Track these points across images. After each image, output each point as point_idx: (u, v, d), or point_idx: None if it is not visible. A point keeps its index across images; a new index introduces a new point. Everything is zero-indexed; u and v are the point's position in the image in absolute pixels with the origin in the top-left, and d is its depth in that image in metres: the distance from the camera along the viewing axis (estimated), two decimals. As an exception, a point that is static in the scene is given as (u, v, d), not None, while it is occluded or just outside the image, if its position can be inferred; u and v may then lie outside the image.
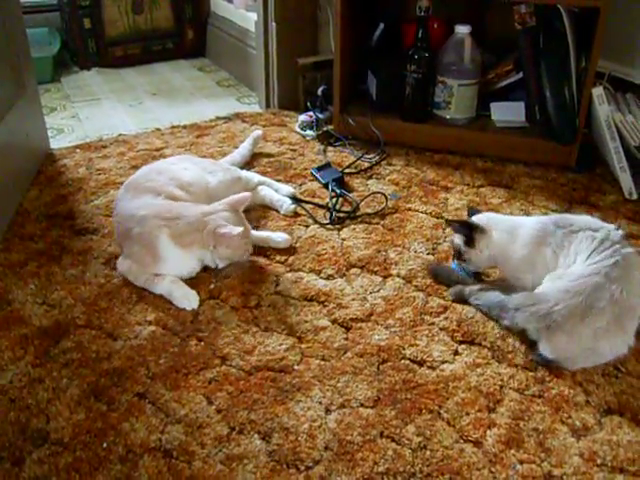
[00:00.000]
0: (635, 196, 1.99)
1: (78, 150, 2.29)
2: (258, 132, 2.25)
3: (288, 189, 1.97)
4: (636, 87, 2.27)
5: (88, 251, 1.71)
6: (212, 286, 1.57)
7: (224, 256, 1.58)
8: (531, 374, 1.33)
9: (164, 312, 1.49)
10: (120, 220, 1.63)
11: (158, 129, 2.50)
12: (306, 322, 1.47)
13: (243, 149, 2.16)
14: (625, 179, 2.00)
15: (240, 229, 1.51)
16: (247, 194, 1.65)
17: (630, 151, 1.98)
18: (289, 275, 1.63)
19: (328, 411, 1.24)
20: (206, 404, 1.25)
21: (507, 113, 2.32)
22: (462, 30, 2.20)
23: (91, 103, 2.83)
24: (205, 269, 1.62)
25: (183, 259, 1.57)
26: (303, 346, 1.40)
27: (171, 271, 1.56)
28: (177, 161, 1.85)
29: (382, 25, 2.47)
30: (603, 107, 1.99)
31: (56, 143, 2.36)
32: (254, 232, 1.72)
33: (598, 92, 2.00)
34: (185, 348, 1.39)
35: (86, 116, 2.68)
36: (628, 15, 2.28)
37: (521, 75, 2.29)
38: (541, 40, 2.14)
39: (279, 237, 1.73)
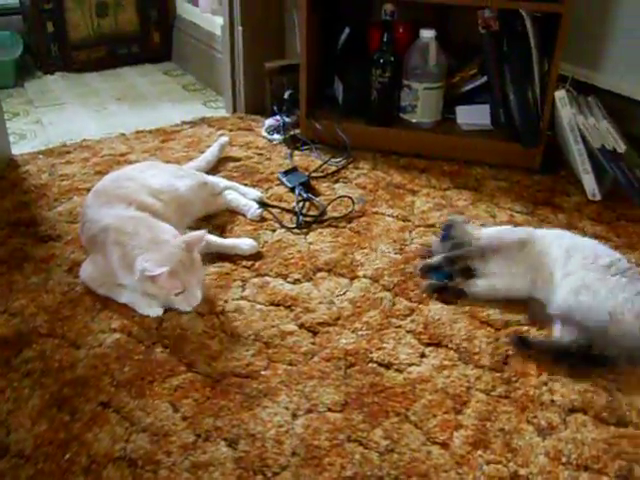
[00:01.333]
0: (598, 197, 2.02)
1: (41, 156, 2.26)
2: (225, 138, 2.23)
3: (256, 193, 1.97)
4: (598, 90, 2.31)
5: (51, 258, 1.68)
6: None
7: (149, 293, 1.47)
8: (497, 375, 1.34)
9: (129, 319, 1.47)
10: (88, 226, 1.60)
11: (123, 134, 2.47)
12: (273, 327, 1.46)
13: (209, 154, 2.15)
14: (588, 181, 2.03)
15: (163, 269, 1.37)
16: (202, 232, 1.51)
17: (593, 153, 2.01)
18: (255, 280, 1.62)
19: (295, 416, 1.23)
20: (172, 412, 1.24)
21: (472, 116, 2.34)
22: (427, 34, 2.22)
23: (54, 108, 2.79)
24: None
25: (126, 279, 1.50)
26: (270, 351, 1.39)
27: (130, 284, 1.52)
28: (145, 168, 1.82)
29: (348, 29, 2.47)
30: (565, 110, 2.02)
31: (18, 149, 2.32)
32: (220, 240, 1.71)
33: (560, 95, 2.03)
34: (150, 355, 1.37)
35: (49, 121, 2.64)
36: (591, 20, 2.32)
37: (486, 79, 2.31)
38: (504, 44, 2.17)
39: (245, 244, 1.71)
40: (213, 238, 1.70)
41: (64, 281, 1.60)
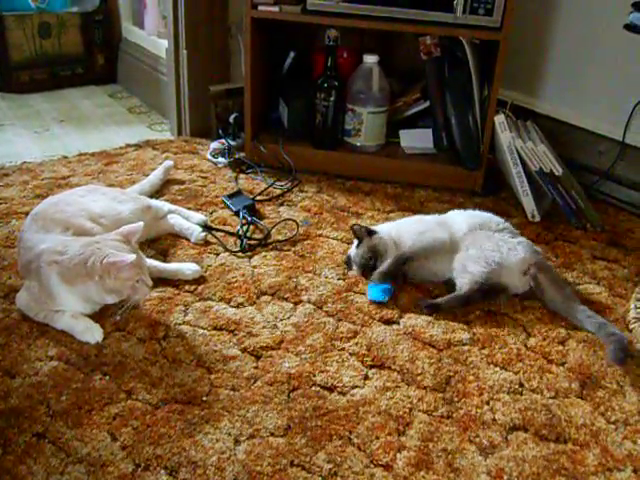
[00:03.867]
0: (538, 218, 2.08)
1: (-22, 178, 2.20)
2: (169, 162, 2.21)
3: (200, 217, 1.95)
4: (537, 115, 2.39)
5: (-15, 284, 1.63)
6: (118, 317, 1.52)
7: (111, 289, 1.44)
8: (440, 395, 1.35)
9: (67, 346, 1.43)
10: (23, 252, 1.56)
11: (65, 157, 2.42)
12: (215, 352, 1.44)
13: (154, 177, 2.12)
14: (528, 202, 2.08)
15: (133, 256, 1.41)
16: (140, 224, 1.53)
17: (532, 176, 2.07)
18: (198, 304, 1.60)
19: (237, 442, 1.22)
20: (110, 441, 1.21)
21: (415, 140, 2.38)
22: (370, 59, 2.26)
23: (-6, 130, 2.73)
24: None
25: (71, 298, 1.47)
26: (212, 376, 1.37)
27: (68, 308, 1.49)
28: (86, 192, 1.78)
29: (293, 54, 2.50)
30: (505, 134, 2.07)
31: (-46, 171, 2.26)
32: (162, 265, 1.69)
33: (500, 120, 2.09)
34: (89, 383, 1.34)
35: (-12, 143, 2.58)
36: (528, 47, 2.40)
37: (428, 103, 2.36)
38: (446, 70, 2.22)
39: (188, 269, 1.69)
40: (155, 263, 1.67)
41: (0, 308, 1.55)
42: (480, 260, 1.65)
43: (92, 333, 1.46)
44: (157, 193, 2.11)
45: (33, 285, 1.50)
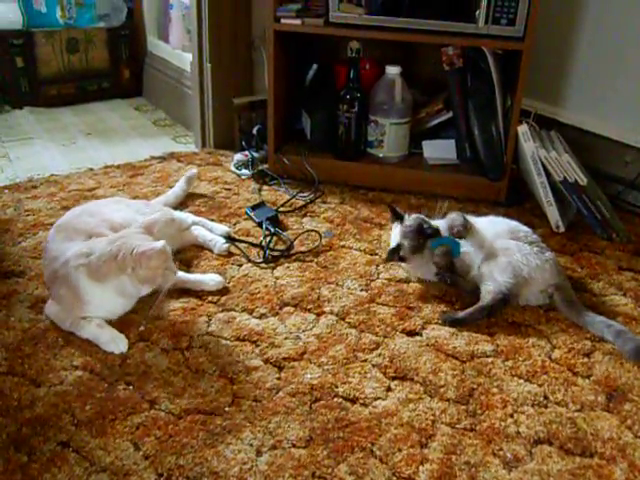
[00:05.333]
0: (562, 229, 2.06)
1: (7, 191, 2.24)
2: (193, 171, 2.23)
3: (223, 228, 1.96)
4: (560, 124, 2.37)
5: (13, 294, 1.66)
6: (142, 328, 1.54)
7: (144, 278, 1.48)
8: (463, 407, 1.34)
9: (91, 356, 1.45)
10: (48, 262, 1.59)
11: (91, 169, 2.46)
12: (238, 362, 1.45)
13: (177, 189, 2.14)
14: (552, 213, 2.06)
15: (160, 243, 1.45)
16: (157, 214, 1.61)
17: (556, 186, 2.05)
18: (221, 315, 1.61)
19: (259, 453, 1.22)
20: (133, 450, 1.21)
21: (438, 151, 2.38)
22: (392, 71, 2.26)
23: (22, 143, 2.77)
24: (135, 311, 1.59)
25: (104, 296, 1.50)
26: (234, 387, 1.38)
27: (97, 313, 1.52)
28: (109, 203, 1.82)
29: (315, 66, 2.51)
30: (528, 144, 2.06)
31: (-16, 184, 2.30)
32: (186, 275, 1.71)
33: (523, 130, 2.08)
34: (112, 393, 1.35)
35: (17, 156, 2.62)
36: (552, 57, 2.39)
37: (451, 114, 2.36)
38: (468, 80, 2.22)
39: (211, 280, 1.71)
40: (180, 273, 1.68)
41: (26, 317, 1.57)
42: (508, 270, 1.63)
43: (117, 344, 1.47)
44: (181, 205, 2.13)
45: (61, 294, 1.52)
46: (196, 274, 1.75)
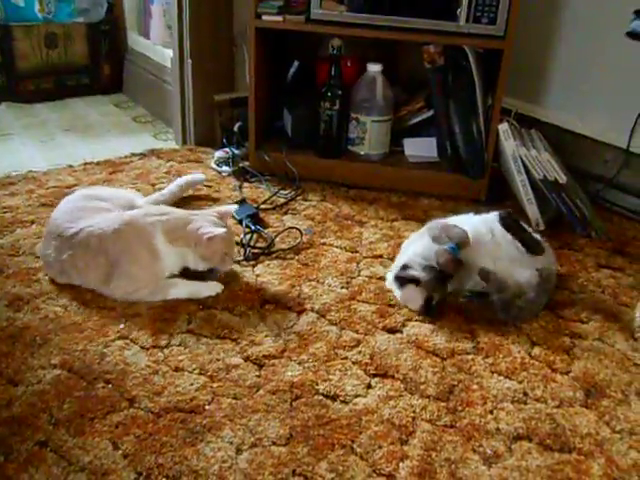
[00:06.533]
0: (542, 226, 2.07)
1: (-17, 188, 2.21)
2: (201, 176, 2.22)
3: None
4: (541, 123, 2.39)
5: (-10, 293, 1.64)
6: (122, 326, 1.52)
7: (203, 256, 1.61)
8: (443, 404, 1.35)
9: (70, 355, 1.43)
10: (78, 250, 1.60)
11: (70, 166, 2.43)
12: (218, 360, 1.44)
13: (175, 187, 2.08)
14: (532, 210, 2.08)
15: (223, 229, 1.59)
16: (230, 207, 1.80)
17: (536, 184, 2.06)
18: (201, 313, 1.60)
19: (239, 451, 1.21)
20: (112, 449, 1.20)
21: (419, 149, 2.38)
22: (374, 68, 2.26)
23: (0, 139, 2.74)
24: (114, 308, 1.58)
25: (171, 256, 1.61)
26: (214, 385, 1.37)
27: (166, 269, 1.62)
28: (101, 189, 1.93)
29: (297, 63, 2.51)
30: (509, 142, 2.07)
31: (-40, 181, 2.27)
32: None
33: (504, 128, 2.09)
34: (91, 392, 1.33)
35: (-6, 152, 2.59)
36: (532, 56, 2.41)
37: (432, 112, 2.36)
38: (449, 78, 2.22)
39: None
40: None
41: (3, 316, 1.55)
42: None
43: (214, 287, 1.65)
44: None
45: (128, 260, 1.58)
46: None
